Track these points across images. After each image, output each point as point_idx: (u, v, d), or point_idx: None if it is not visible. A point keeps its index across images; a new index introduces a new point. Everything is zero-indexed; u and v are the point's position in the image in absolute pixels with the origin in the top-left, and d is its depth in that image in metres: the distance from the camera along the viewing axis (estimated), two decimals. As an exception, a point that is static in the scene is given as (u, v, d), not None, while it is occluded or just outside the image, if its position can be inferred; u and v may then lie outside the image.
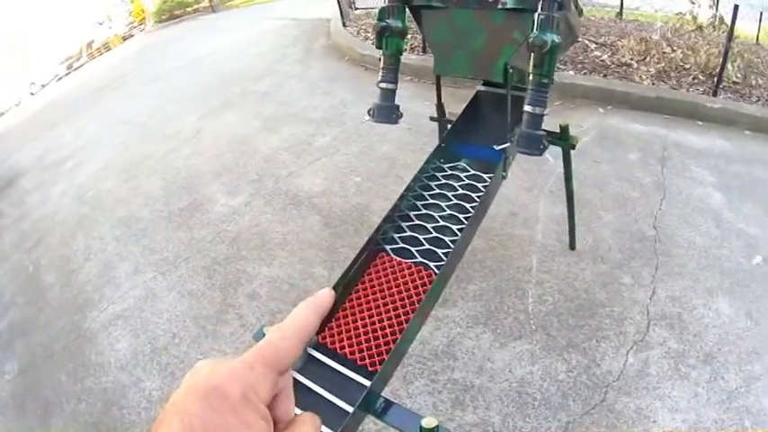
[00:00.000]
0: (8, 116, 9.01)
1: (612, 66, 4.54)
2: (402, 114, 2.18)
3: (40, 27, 10.26)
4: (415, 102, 4.47)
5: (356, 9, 7.07)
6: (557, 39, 1.69)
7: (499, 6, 1.89)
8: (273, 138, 4.84)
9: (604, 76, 4.43)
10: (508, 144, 1.95)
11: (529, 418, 2.21)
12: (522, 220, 3.21)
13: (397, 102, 2.22)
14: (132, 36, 9.68)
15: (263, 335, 1.66)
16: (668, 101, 4.16)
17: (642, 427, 2.15)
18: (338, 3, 6.68)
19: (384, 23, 2.03)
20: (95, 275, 3.79)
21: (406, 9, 2.09)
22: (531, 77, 1.80)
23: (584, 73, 4.47)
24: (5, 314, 3.89)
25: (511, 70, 1.99)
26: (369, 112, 2.19)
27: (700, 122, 4.10)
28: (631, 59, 4.55)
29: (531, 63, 1.77)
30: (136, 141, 5.71)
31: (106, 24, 9.76)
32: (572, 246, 2.92)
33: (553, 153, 2.21)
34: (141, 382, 2.85)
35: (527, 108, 1.83)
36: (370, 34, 6.07)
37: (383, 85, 2.14)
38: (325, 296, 0.51)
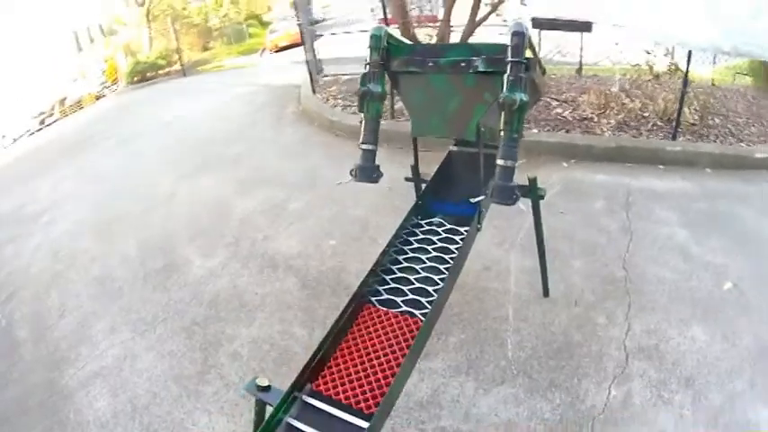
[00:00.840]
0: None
1: (574, 121, 4.76)
2: (382, 174, 2.28)
3: (12, 81, 10.28)
4: (386, 165, 4.55)
5: (324, 76, 7.27)
6: (524, 97, 1.85)
7: (471, 71, 2.03)
8: (248, 201, 4.91)
9: (567, 131, 4.64)
10: (483, 197, 2.06)
11: (519, 459, 2.27)
12: (495, 273, 3.31)
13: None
14: (104, 96, 9.75)
15: (256, 386, 1.72)
16: (629, 149, 4.37)
17: None
18: (308, 70, 6.87)
19: (365, 88, 2.15)
20: (71, 332, 3.72)
21: (386, 75, 2.21)
22: (502, 134, 1.94)
23: (548, 130, 4.67)
24: (-25, 368, 3.75)
25: (483, 129, 2.13)
26: (351, 172, 2.28)
27: (661, 166, 4.30)
28: (592, 113, 4.79)
29: (502, 120, 1.91)
30: (111, 200, 5.71)
31: (80, 81, 9.82)
32: (545, 293, 3.03)
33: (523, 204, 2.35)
34: (123, 442, 2.78)
35: (499, 162, 1.95)
36: (339, 101, 6.26)
37: (364, 146, 2.24)
38: None
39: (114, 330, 3.60)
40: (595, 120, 4.72)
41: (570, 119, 4.80)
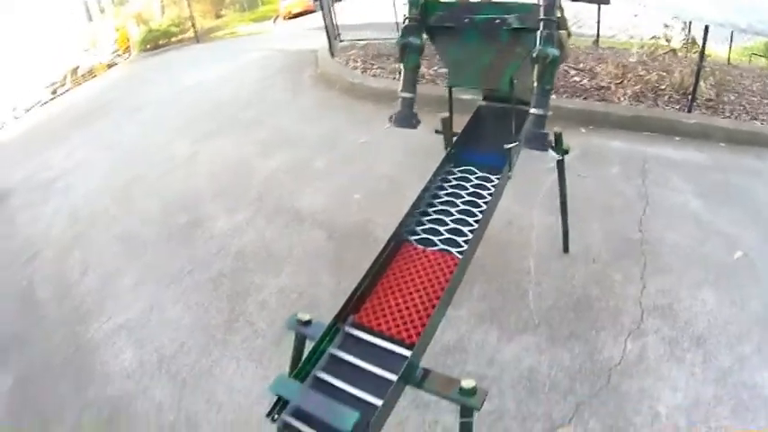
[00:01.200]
0: (-7, 139, 8.90)
1: (592, 89, 4.81)
2: (420, 121, 2.36)
3: (23, 52, 10.25)
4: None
5: (341, 41, 7.25)
6: (556, 53, 1.94)
7: (504, 27, 2.11)
8: (270, 161, 4.92)
9: (584, 98, 4.69)
10: (516, 143, 2.14)
11: (541, 403, 2.35)
12: (517, 228, 3.39)
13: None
14: (117, 64, 9.71)
15: (297, 321, 1.79)
16: (646, 119, 4.41)
17: (647, 405, 2.29)
18: (327, 34, 6.85)
19: (405, 40, 2.25)
20: (95, 289, 3.77)
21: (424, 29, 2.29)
22: (534, 85, 2.03)
23: (566, 96, 4.72)
24: (-3, 329, 3.79)
25: (515, 81, 2.20)
26: (390, 118, 2.38)
27: (677, 138, 4.35)
28: (609, 83, 4.83)
29: (535, 73, 2.00)
30: (129, 164, 5.71)
31: (91, 51, 9.79)
32: (566, 249, 3.11)
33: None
34: (149, 390, 2.85)
35: (532, 110, 2.06)
36: (358, 64, 6.23)
37: (403, 94, 2.35)
38: None
39: (139, 284, 3.65)
40: (612, 89, 4.76)
41: (588, 87, 4.84)
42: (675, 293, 2.85)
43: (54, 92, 9.34)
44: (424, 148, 4.32)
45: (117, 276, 3.83)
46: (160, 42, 9.73)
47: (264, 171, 4.75)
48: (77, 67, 9.55)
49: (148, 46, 9.63)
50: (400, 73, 2.37)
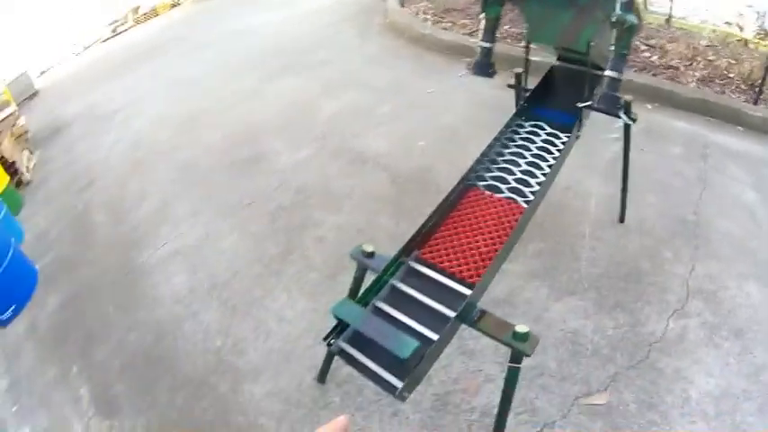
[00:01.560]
0: (51, 73, 9.04)
1: (661, 67, 4.71)
2: (496, 71, 2.38)
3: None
4: (476, 81, 4.59)
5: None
6: (635, 20, 1.98)
7: None
8: (335, 102, 4.91)
9: (653, 75, 4.61)
10: (590, 102, 2.14)
11: (581, 366, 2.40)
12: (576, 193, 3.39)
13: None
14: (180, 4, 9.75)
15: (361, 252, 1.85)
16: (712, 104, 4.31)
17: (680, 387, 2.32)
18: (398, -18, 6.73)
19: None
20: (151, 215, 3.85)
21: None
22: (612, 49, 2.07)
23: (635, 71, 4.65)
24: (50, 250, 3.92)
25: (592, 44, 2.20)
26: (467, 66, 2.42)
27: (740, 128, 4.25)
28: (679, 63, 4.72)
29: (614, 37, 2.03)
30: (191, 98, 5.74)
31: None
32: (622, 219, 3.12)
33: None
34: (199, 315, 2.95)
35: (608, 73, 2.10)
36: (428, 16, 6.15)
37: (483, 44, 2.39)
38: (342, 422, 0.57)
39: (197, 213, 3.73)
40: (681, 70, 4.66)
41: (657, 64, 4.74)
42: (722, 281, 2.84)
43: (114, 30, 9.42)
44: (489, 103, 4.34)
45: (174, 204, 3.90)
46: (226, -17, 9.67)
47: (329, 111, 4.76)
48: (139, 7, 9.60)
49: (214, -14, 9.57)
50: (480, 23, 2.40)
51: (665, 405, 2.25)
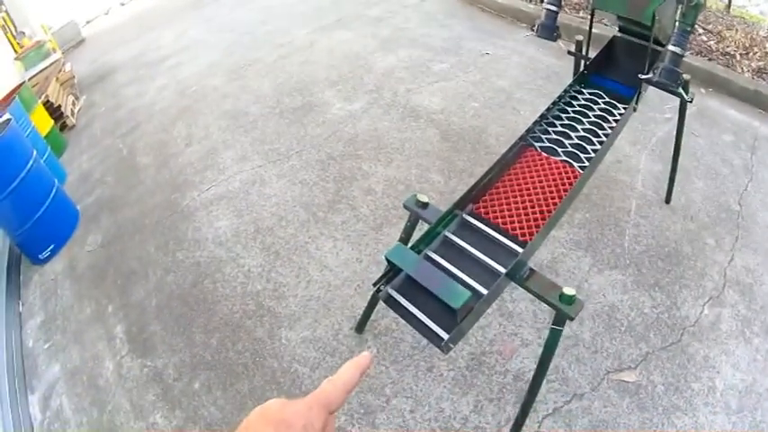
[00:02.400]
0: (97, 22, 9.09)
1: (717, 52, 4.60)
2: (561, 34, 2.37)
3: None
4: (530, 47, 4.57)
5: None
6: None
7: None
8: (390, 57, 4.89)
9: (709, 59, 4.51)
10: (651, 75, 2.12)
11: (614, 341, 2.42)
12: (625, 167, 3.37)
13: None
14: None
15: (416, 200, 1.87)
16: (765, 97, 4.21)
17: (707, 375, 2.32)
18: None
19: None
20: (197, 160, 3.88)
21: None
22: (677, 24, 2.04)
23: (691, 53, 4.55)
24: (92, 191, 4.01)
25: (657, 17, 2.17)
26: (532, 27, 2.41)
27: (791, 124, 4.16)
28: (735, 51, 4.60)
29: (679, 13, 2.01)
30: (242, 47, 5.74)
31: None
32: (668, 199, 3.10)
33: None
34: (240, 258, 3.00)
35: (670, 47, 2.08)
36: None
37: (549, 6, 2.37)
38: (366, 358, 0.62)
39: (245, 159, 3.76)
40: (737, 58, 4.54)
41: (714, 49, 4.63)
42: (759, 275, 2.80)
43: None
44: (544, 71, 4.31)
45: (222, 150, 3.93)
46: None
47: (384, 66, 4.75)
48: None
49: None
50: None
51: (691, 391, 2.27)
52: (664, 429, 2.14)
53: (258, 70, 5.09)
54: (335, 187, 3.35)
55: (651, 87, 2.24)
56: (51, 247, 3.50)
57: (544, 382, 2.20)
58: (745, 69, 4.44)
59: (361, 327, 2.49)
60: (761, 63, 4.57)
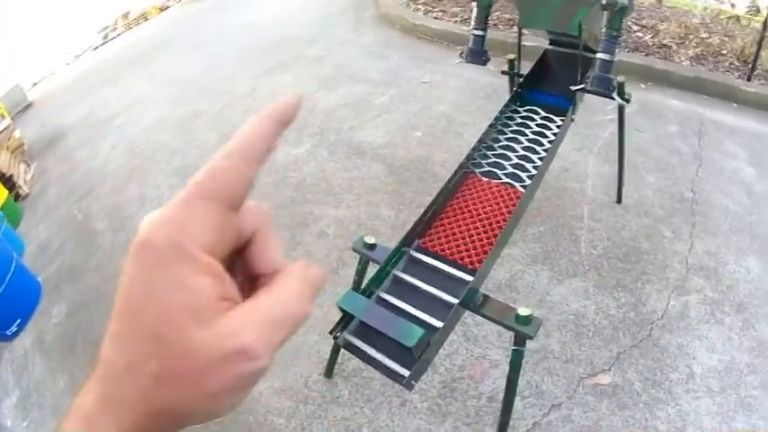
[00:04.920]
0: (44, 84, 9.00)
1: (653, 46, 4.72)
2: (490, 58, 2.41)
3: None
4: (468, 69, 4.60)
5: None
6: (626, 2, 2.02)
7: None
8: (331, 96, 4.90)
9: (646, 55, 4.62)
10: (583, 85, 2.16)
11: (584, 347, 2.43)
12: (573, 175, 3.42)
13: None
14: (169, 7, 9.70)
15: (363, 243, 1.87)
16: (705, 81, 4.33)
17: (684, 363, 2.34)
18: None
19: None
20: None
21: None
22: (603, 31, 2.10)
23: (627, 51, 4.65)
24: (52, 261, 3.93)
25: (584, 27, 2.21)
26: (460, 54, 2.45)
27: (735, 104, 4.26)
28: (671, 41, 4.73)
29: (605, 19, 2.07)
30: (187, 99, 5.72)
31: (143, -5, 9.84)
32: (619, 200, 3.14)
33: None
34: (205, 316, 2.99)
35: (600, 55, 2.13)
36: (419, 5, 6.14)
37: (475, 32, 2.42)
38: (292, 99, 0.39)
39: None
40: (674, 48, 4.67)
41: (649, 44, 4.75)
42: (721, 257, 2.87)
43: (105, 36, 9.37)
44: (483, 91, 4.36)
45: (174, 209, 3.91)
46: (214, -17, 9.60)
47: (325, 105, 4.76)
48: (128, 12, 9.56)
49: (202, -13, 9.49)
50: (471, 11, 2.44)
51: (670, 382, 2.28)
52: (648, 423, 2.15)
53: (204, 122, 5.08)
54: (289, 234, 3.33)
55: None
56: (18, 321, 3.40)
57: (519, 398, 2.21)
58: (683, 58, 4.56)
59: (329, 371, 2.46)
60: (698, 50, 4.70)
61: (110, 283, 3.44)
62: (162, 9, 9.49)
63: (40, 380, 3.03)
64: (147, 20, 9.34)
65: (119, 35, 9.34)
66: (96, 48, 9.30)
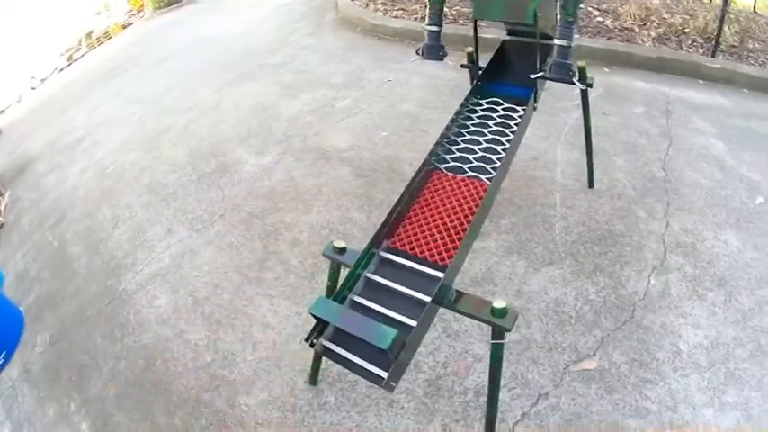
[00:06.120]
0: (11, 111, 8.89)
1: (615, 30, 4.76)
2: (447, 53, 2.40)
3: (35, 23, 10.19)
4: (430, 65, 4.61)
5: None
6: None
7: None
8: (295, 102, 4.89)
9: (608, 38, 4.65)
10: (542, 72, 2.16)
11: (567, 334, 2.42)
12: (542, 163, 3.41)
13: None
14: (131, 24, 9.61)
15: (333, 248, 1.85)
16: (670, 61, 4.37)
17: (669, 341, 2.35)
18: (344, -24, 6.69)
19: None
20: (126, 241, 3.81)
21: None
22: (558, 17, 2.09)
23: (589, 36, 4.68)
24: (31, 290, 3.88)
25: (539, 15, 2.21)
26: (417, 51, 2.43)
27: (700, 81, 4.32)
28: (633, 24, 4.77)
29: (559, 5, 2.05)
30: (153, 117, 5.68)
31: (104, 14, 9.72)
32: (590, 184, 3.15)
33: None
34: (185, 334, 2.93)
35: (557, 41, 2.13)
36: (378, 6, 6.14)
37: (430, 27, 2.40)
38: None
39: (170, 232, 3.69)
40: (636, 30, 4.71)
41: (611, 27, 4.79)
42: (698, 233, 2.89)
43: (69, 58, 9.26)
44: (446, 87, 4.37)
45: (148, 227, 3.86)
46: (175, -3, 9.54)
47: (290, 113, 4.74)
48: (91, 32, 9.46)
49: (163, 2, 9.37)
50: (426, 7, 2.40)
51: (657, 362, 2.29)
52: (638, 404, 2.15)
53: (171, 138, 5.04)
54: (262, 245, 3.31)
55: None
56: (4, 353, 3.32)
57: (505, 390, 2.20)
58: (646, 40, 4.60)
59: (313, 378, 2.44)
60: (660, 30, 4.75)
61: (88, 308, 3.40)
62: (125, 26, 9.40)
63: (30, 410, 2.99)
64: (110, 38, 9.23)
65: (83, 55, 9.24)
66: (61, 70, 9.20)
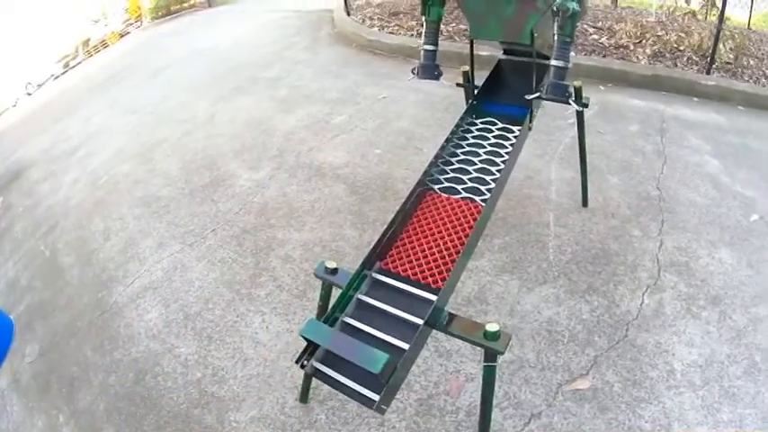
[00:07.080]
0: (6, 117, 8.87)
1: (610, 47, 4.78)
2: (442, 72, 2.39)
3: (33, 28, 10.20)
4: (425, 82, 4.59)
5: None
6: (577, 6, 1.98)
7: None
8: (290, 118, 4.88)
9: (603, 56, 4.67)
10: (538, 93, 2.15)
11: (560, 354, 2.40)
12: (536, 182, 3.41)
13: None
14: (129, 33, 9.63)
15: (324, 269, 1.83)
16: (665, 78, 4.39)
17: (663, 360, 2.34)
18: (342, -9, 6.75)
19: None
20: (118, 253, 3.78)
21: None
22: (555, 38, 2.08)
23: (585, 54, 4.70)
24: (22, 299, 3.85)
25: (536, 35, 2.21)
26: (413, 71, 2.43)
27: (695, 98, 4.33)
28: (628, 42, 4.80)
29: (556, 26, 2.05)
30: (147, 128, 5.67)
31: (101, 22, 9.75)
32: (584, 203, 3.14)
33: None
34: (176, 349, 2.90)
35: (554, 62, 2.11)
36: (375, 22, 6.17)
37: (426, 47, 2.40)
38: None
39: (162, 245, 3.67)
40: (631, 48, 4.73)
41: (606, 45, 4.82)
42: (693, 251, 2.88)
43: (66, 65, 9.29)
44: (441, 103, 4.38)
45: (140, 239, 3.84)
46: (172, 8, 9.52)
47: (284, 128, 4.74)
48: (88, 39, 9.49)
49: (160, 13, 9.40)
50: (422, 25, 2.40)
51: (650, 381, 2.27)
52: (632, 423, 2.13)
53: (165, 150, 5.03)
54: (254, 261, 3.29)
55: None
56: None
57: (497, 410, 2.18)
58: (641, 57, 4.62)
59: (304, 396, 2.41)
60: (655, 48, 4.77)
61: (79, 320, 3.37)
62: (122, 35, 9.42)
63: (19, 421, 2.95)
64: (107, 46, 9.26)
65: (79, 63, 9.25)
66: (57, 77, 9.22)
